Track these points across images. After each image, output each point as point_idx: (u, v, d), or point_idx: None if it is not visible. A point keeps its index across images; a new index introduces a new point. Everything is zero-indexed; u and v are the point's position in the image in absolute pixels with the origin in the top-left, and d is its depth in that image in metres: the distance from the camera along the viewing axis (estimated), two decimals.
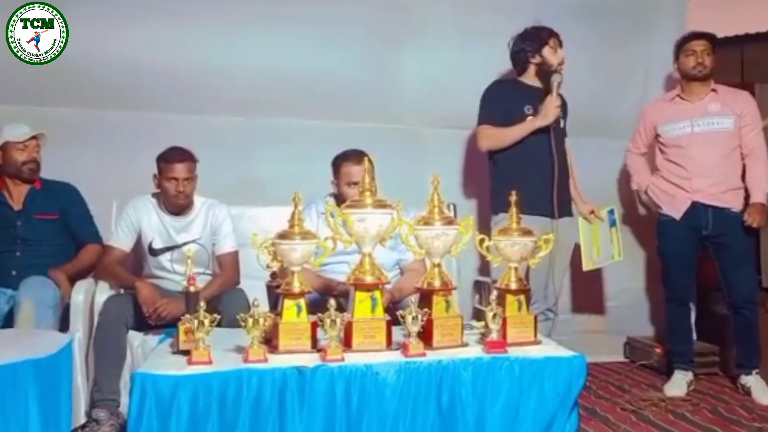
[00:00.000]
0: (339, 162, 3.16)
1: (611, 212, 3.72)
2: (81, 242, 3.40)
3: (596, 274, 4.11)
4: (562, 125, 3.50)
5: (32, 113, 3.58)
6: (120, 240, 3.26)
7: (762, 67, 4.55)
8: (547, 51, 3.45)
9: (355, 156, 3.07)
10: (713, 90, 3.60)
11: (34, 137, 3.31)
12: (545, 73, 3.46)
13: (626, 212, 4.34)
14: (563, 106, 3.48)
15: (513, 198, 2.48)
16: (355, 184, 2.92)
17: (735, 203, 3.54)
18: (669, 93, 3.79)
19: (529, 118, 3.40)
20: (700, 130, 3.55)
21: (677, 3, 4.32)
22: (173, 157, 3.16)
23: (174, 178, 3.15)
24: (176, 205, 3.23)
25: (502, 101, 3.46)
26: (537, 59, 3.49)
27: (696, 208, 3.54)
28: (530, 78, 3.52)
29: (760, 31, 4.96)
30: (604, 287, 4.27)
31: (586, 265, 3.69)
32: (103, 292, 3.16)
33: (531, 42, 3.50)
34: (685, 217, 3.56)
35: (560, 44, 3.48)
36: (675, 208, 3.59)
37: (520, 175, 3.30)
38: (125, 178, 3.56)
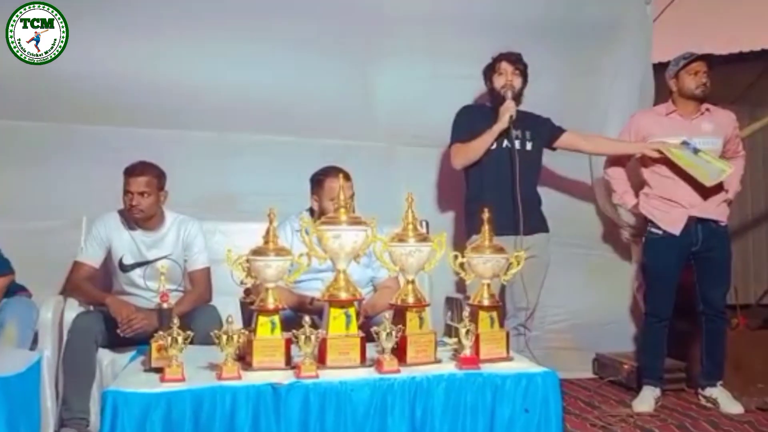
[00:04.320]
0: (322, 178, 3.17)
1: (686, 144, 3.58)
2: None
3: (564, 290, 4.16)
4: (529, 147, 3.57)
5: (3, 127, 3.56)
6: (89, 256, 3.24)
7: (725, 88, 4.67)
8: (495, 77, 3.57)
9: (340, 172, 3.00)
10: (707, 110, 3.67)
11: None
12: (495, 98, 3.58)
13: (603, 230, 4.42)
14: (534, 126, 3.58)
15: (485, 215, 2.51)
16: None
17: (723, 216, 3.64)
18: (661, 107, 3.78)
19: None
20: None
21: (642, 25, 4.40)
22: (130, 170, 3.16)
23: (128, 191, 3.14)
24: (133, 219, 3.21)
25: (469, 123, 3.59)
26: (489, 85, 3.63)
27: (688, 224, 3.58)
28: (489, 101, 3.66)
29: (722, 53, 5.11)
30: (572, 304, 4.32)
31: (708, 182, 3.52)
32: (73, 309, 3.13)
33: (486, 68, 3.63)
34: (680, 233, 3.59)
35: (516, 68, 3.54)
36: (673, 224, 3.59)
37: (484, 196, 3.40)
38: (96, 193, 3.52)
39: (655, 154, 3.60)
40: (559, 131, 3.69)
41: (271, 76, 3.90)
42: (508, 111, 3.46)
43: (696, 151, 3.58)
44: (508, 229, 3.32)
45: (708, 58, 3.65)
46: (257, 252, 2.26)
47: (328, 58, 3.99)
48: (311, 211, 3.23)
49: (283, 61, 3.92)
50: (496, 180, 3.49)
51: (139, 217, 3.20)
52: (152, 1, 3.70)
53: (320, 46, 3.95)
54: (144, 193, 3.14)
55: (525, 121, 3.57)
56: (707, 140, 3.61)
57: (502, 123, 3.46)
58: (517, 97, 3.53)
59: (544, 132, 3.66)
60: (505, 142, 3.52)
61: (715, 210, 3.62)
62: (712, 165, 3.56)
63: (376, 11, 4.01)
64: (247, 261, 2.26)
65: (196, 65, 3.80)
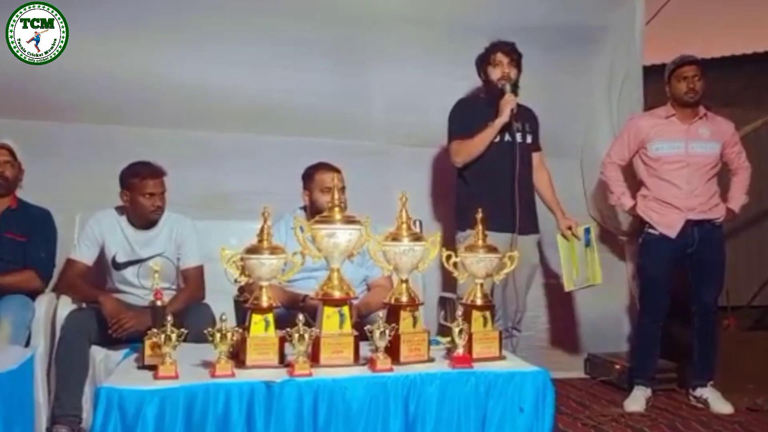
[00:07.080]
0: (312, 171, 3.21)
1: (587, 231, 3.67)
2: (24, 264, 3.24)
3: (557, 290, 4.18)
4: (529, 140, 3.55)
5: None
6: (83, 254, 3.23)
7: (718, 91, 4.70)
8: (489, 68, 3.51)
9: (330, 165, 3.19)
10: (704, 115, 3.68)
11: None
12: (491, 90, 3.51)
13: (597, 230, 4.42)
14: (530, 120, 3.57)
15: (479, 215, 2.51)
16: (330, 189, 2.93)
17: (718, 215, 3.65)
18: (660, 110, 3.77)
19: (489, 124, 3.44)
20: (693, 152, 3.61)
21: (629, 26, 4.40)
22: (148, 173, 3.16)
23: (151, 193, 3.16)
24: (150, 220, 3.23)
25: (467, 117, 3.52)
26: (483, 76, 3.56)
27: (685, 226, 3.60)
28: (485, 93, 3.59)
29: (715, 56, 5.15)
30: (565, 303, 4.33)
31: (567, 286, 3.69)
32: (65, 307, 3.13)
33: (480, 59, 3.57)
34: (677, 235, 3.61)
35: (512, 59, 3.48)
36: (670, 226, 3.60)
37: (486, 192, 3.35)
38: (90, 191, 3.53)
39: (566, 231, 3.64)
40: (535, 148, 3.65)
41: (265, 75, 3.90)
42: (509, 104, 3.38)
43: (588, 243, 3.63)
44: (506, 226, 3.31)
45: (699, 62, 3.66)
46: (251, 250, 2.26)
47: (323, 58, 4.00)
48: (304, 207, 3.25)
49: (277, 61, 3.92)
50: (497, 175, 3.42)
51: (157, 218, 3.24)
52: (148, 2, 3.70)
53: (315, 46, 3.96)
54: (162, 193, 3.20)
55: (524, 113, 3.53)
56: (705, 145, 3.63)
57: (504, 117, 3.38)
58: (515, 89, 3.46)
59: (534, 134, 3.63)
60: (507, 136, 3.45)
61: (711, 211, 3.64)
62: (585, 270, 3.63)
63: (371, 12, 4.03)
64: (241, 259, 2.26)
65: (190, 65, 3.79)
